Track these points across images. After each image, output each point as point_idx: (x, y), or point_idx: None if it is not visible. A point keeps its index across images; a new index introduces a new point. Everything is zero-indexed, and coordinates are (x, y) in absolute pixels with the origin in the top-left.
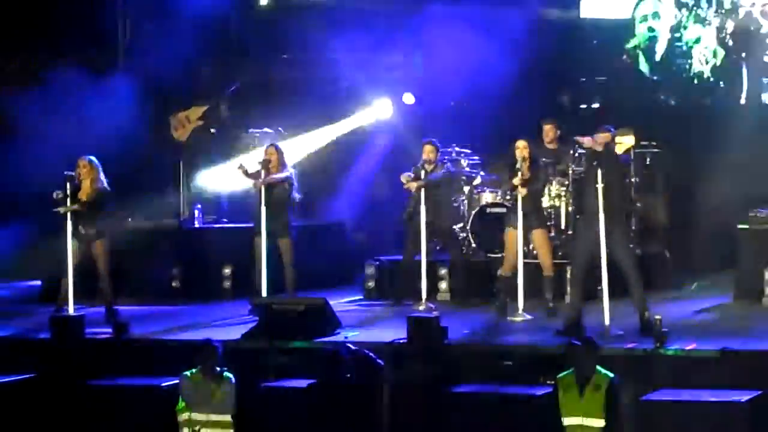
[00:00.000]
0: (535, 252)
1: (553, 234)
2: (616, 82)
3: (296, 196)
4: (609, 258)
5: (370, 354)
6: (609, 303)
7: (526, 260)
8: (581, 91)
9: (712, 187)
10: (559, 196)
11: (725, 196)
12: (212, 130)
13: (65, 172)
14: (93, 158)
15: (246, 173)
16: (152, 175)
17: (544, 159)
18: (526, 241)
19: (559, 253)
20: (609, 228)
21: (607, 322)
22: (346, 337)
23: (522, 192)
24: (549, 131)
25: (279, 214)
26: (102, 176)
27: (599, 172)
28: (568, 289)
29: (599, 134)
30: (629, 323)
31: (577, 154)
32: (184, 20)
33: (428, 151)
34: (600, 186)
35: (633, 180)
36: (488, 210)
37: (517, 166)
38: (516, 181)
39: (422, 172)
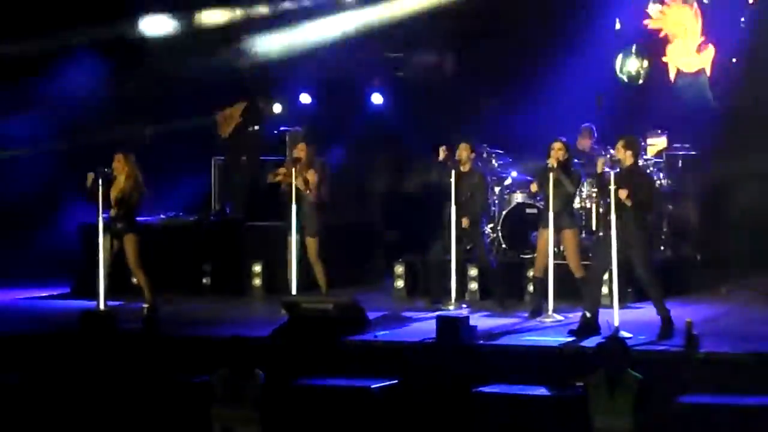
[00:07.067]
0: (564, 253)
1: (584, 235)
2: None
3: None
4: (626, 262)
5: None
6: (619, 305)
7: (556, 261)
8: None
9: (745, 189)
10: (590, 197)
11: (758, 199)
12: (256, 127)
13: (97, 168)
14: (129, 153)
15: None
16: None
17: (576, 160)
18: (558, 241)
19: (590, 254)
20: (624, 233)
21: (616, 323)
22: (375, 336)
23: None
24: (584, 133)
25: (307, 211)
26: (137, 172)
27: (612, 178)
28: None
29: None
30: (638, 326)
31: (609, 156)
32: None
33: (462, 149)
34: (612, 189)
35: (663, 183)
36: (519, 210)
37: (549, 165)
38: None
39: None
